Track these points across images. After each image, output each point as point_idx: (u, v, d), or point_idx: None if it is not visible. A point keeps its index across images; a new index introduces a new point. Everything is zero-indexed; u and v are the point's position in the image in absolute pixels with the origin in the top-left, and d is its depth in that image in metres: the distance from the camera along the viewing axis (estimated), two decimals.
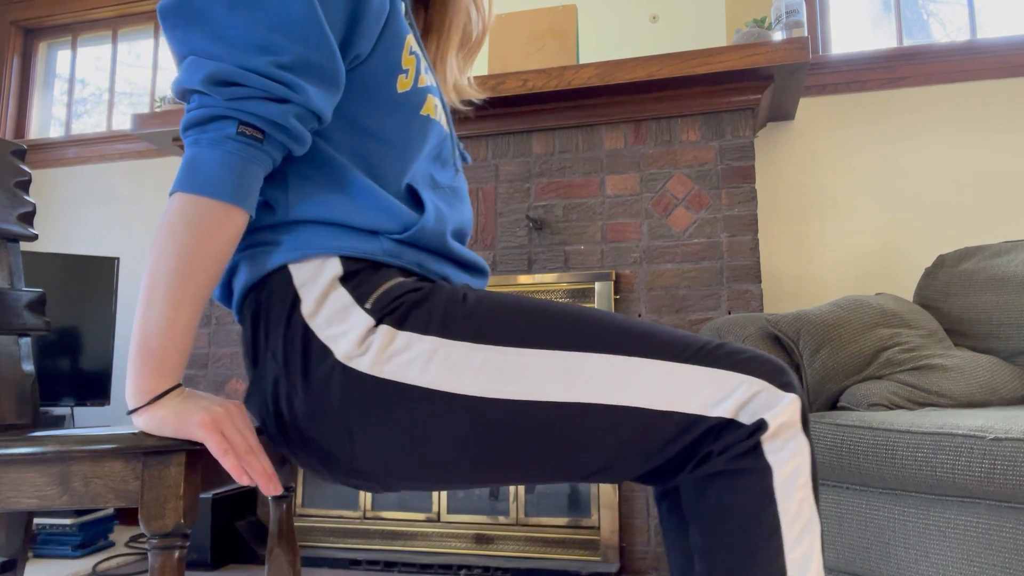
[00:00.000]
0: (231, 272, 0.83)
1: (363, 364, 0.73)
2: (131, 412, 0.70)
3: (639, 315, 2.11)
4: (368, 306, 0.74)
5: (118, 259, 2.55)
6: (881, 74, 2.34)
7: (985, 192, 2.23)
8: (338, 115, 0.80)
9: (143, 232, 3.02)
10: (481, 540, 2.10)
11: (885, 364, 1.55)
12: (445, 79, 1.01)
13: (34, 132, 3.28)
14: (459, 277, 0.88)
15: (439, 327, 0.74)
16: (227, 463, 0.67)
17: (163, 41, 3.20)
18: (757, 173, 2.39)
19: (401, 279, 0.78)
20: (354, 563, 2.11)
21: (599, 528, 2.02)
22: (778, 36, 2.09)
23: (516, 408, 0.72)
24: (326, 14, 0.74)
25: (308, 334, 0.74)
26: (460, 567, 2.02)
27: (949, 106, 2.29)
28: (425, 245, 0.82)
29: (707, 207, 2.11)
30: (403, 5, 0.85)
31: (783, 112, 2.33)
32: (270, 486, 0.69)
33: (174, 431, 0.69)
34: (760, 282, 2.04)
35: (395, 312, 0.74)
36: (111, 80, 3.23)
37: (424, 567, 2.04)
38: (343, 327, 0.74)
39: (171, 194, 0.71)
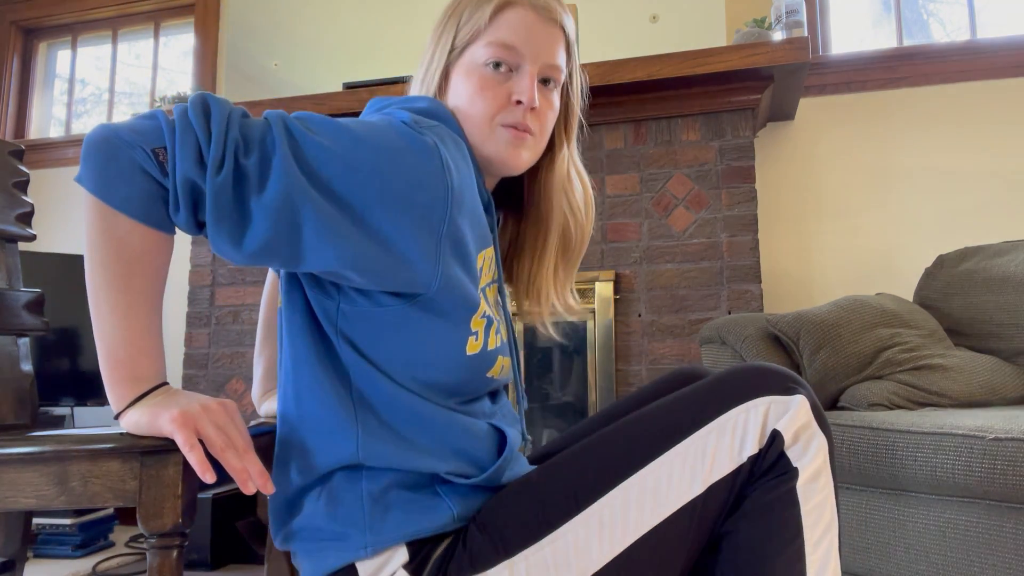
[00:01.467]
0: (288, 538, 0.79)
1: None
2: (116, 417, 0.71)
3: (639, 315, 2.11)
4: None
5: None
6: (881, 74, 2.34)
7: (985, 192, 2.23)
8: (406, 356, 0.75)
9: None
10: None
11: (885, 364, 1.55)
12: (539, 298, 0.95)
13: (34, 132, 3.28)
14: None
15: (470, 566, 0.72)
16: (192, 458, 0.66)
17: (163, 41, 3.20)
18: (757, 173, 2.39)
19: (453, 537, 0.75)
20: None
21: None
22: (778, 36, 2.08)
23: None
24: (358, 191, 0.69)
25: None
26: None
27: (949, 106, 2.29)
28: (495, 482, 0.79)
29: (707, 207, 2.11)
30: (481, 252, 0.80)
31: (783, 112, 2.33)
32: (248, 484, 0.68)
33: (146, 428, 0.69)
34: (760, 282, 2.04)
35: (438, 572, 0.73)
36: (111, 80, 3.23)
37: None
38: None
39: (85, 187, 0.68)
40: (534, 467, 0.86)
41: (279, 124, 0.69)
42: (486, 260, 0.83)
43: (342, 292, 0.75)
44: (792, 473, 0.72)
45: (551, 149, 0.92)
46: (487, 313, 0.80)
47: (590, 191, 0.97)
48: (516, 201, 0.96)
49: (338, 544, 0.74)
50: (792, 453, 0.73)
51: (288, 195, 0.66)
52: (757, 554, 0.72)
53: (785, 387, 0.75)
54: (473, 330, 0.78)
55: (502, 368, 0.84)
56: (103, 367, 0.69)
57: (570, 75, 0.92)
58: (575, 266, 0.98)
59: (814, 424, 0.74)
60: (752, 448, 0.72)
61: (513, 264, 0.96)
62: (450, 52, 0.86)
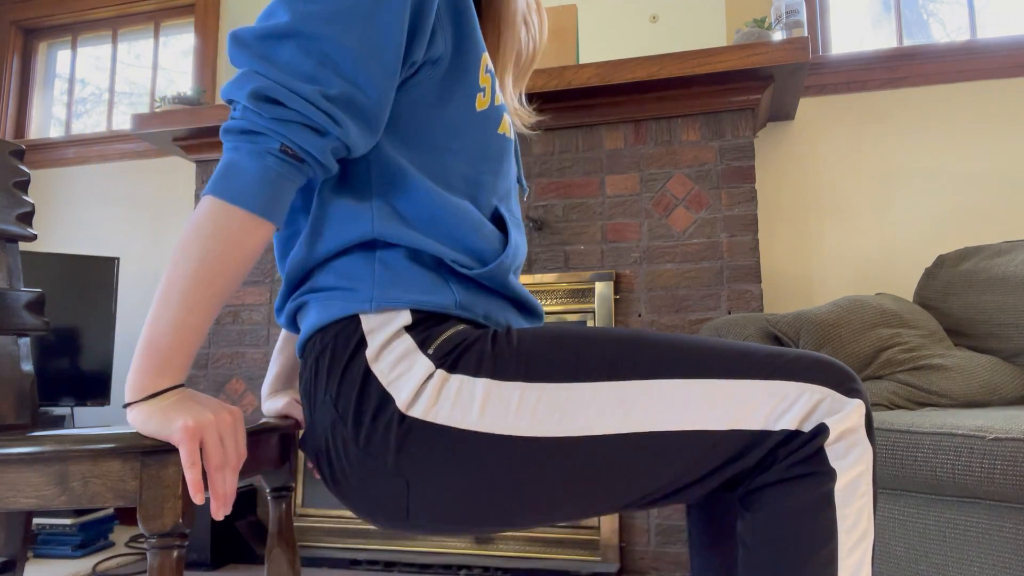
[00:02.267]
0: (298, 308, 0.82)
1: (419, 410, 0.72)
2: (126, 405, 0.70)
3: (639, 315, 2.11)
4: (430, 352, 0.75)
5: (118, 259, 2.55)
6: (881, 74, 2.34)
7: (985, 192, 2.23)
8: (420, 137, 0.80)
9: (143, 232, 3.02)
10: (481, 540, 2.10)
11: (885, 364, 1.55)
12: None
13: (34, 132, 3.28)
14: (519, 323, 0.87)
15: (490, 369, 0.74)
16: (189, 476, 0.66)
17: (163, 41, 3.20)
18: (757, 173, 2.39)
19: (463, 327, 0.78)
20: (354, 563, 2.11)
21: (599, 528, 2.02)
22: (778, 36, 2.08)
23: (576, 445, 0.72)
24: (384, 42, 0.73)
25: (368, 378, 0.74)
26: (460, 567, 2.02)
27: (949, 106, 2.29)
28: (497, 283, 0.82)
29: (707, 207, 2.11)
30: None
31: (783, 112, 2.33)
32: (219, 511, 0.68)
33: (155, 430, 0.68)
34: (760, 282, 2.04)
35: (450, 356, 0.74)
36: (111, 80, 3.23)
37: (424, 567, 2.04)
38: (405, 373, 0.74)
39: (203, 195, 0.71)
40: (534, 300, 0.88)
41: (297, 27, 0.72)
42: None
43: None
44: (830, 475, 0.71)
45: None
46: (489, 68, 0.84)
47: (543, 8, 1.03)
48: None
49: (345, 294, 0.77)
50: (831, 452, 0.72)
51: (366, 61, 0.72)
52: (789, 552, 0.71)
53: (848, 387, 0.74)
54: (481, 86, 0.82)
55: (508, 125, 0.88)
56: (139, 350, 0.69)
57: None
58: (526, 77, 1.04)
59: (862, 432, 0.73)
60: (788, 423, 0.71)
61: None
62: None
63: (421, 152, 0.80)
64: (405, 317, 0.76)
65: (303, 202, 0.84)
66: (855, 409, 0.73)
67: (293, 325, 0.86)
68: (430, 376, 0.73)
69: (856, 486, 0.72)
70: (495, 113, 0.85)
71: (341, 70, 0.72)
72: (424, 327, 0.76)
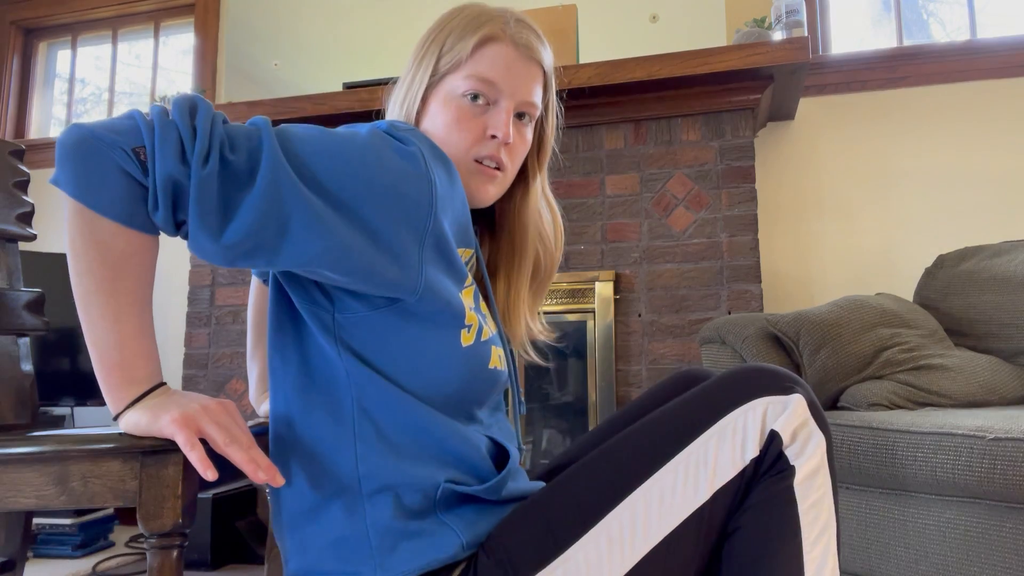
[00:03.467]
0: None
1: None
2: (115, 418, 0.70)
3: (639, 315, 2.11)
4: None
5: None
6: (881, 74, 2.34)
7: (985, 192, 2.23)
8: (401, 360, 0.75)
9: None
10: None
11: (885, 364, 1.55)
12: (513, 321, 0.96)
13: (34, 132, 3.28)
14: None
15: None
16: (192, 457, 0.66)
17: (163, 41, 3.20)
18: (757, 173, 2.39)
19: (464, 565, 0.74)
20: None
21: None
22: (778, 36, 2.08)
23: None
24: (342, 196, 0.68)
25: None
26: None
27: (949, 106, 2.29)
28: (497, 495, 0.78)
29: (707, 207, 2.11)
30: (461, 250, 0.80)
31: (783, 112, 2.33)
32: (258, 473, 0.67)
33: (147, 429, 0.68)
34: (760, 282, 2.04)
35: None
36: (111, 80, 3.23)
37: None
38: None
39: (65, 192, 0.67)
40: (535, 483, 0.86)
41: (266, 125, 0.69)
42: (473, 260, 0.85)
43: (334, 301, 0.75)
44: (789, 471, 0.72)
45: (525, 180, 0.95)
46: (474, 308, 0.81)
47: (559, 219, 1.01)
48: (488, 221, 0.98)
49: None
50: (790, 452, 0.73)
51: (277, 186, 0.66)
52: (756, 551, 0.72)
53: (782, 387, 0.75)
54: (467, 323, 0.78)
55: (500, 358, 0.84)
56: (98, 372, 0.68)
57: (546, 109, 0.95)
58: (544, 292, 1.01)
59: (811, 422, 0.74)
60: (753, 450, 0.72)
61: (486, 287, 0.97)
62: (431, 77, 0.86)
63: (404, 374, 0.75)
64: None
65: (294, 339, 0.79)
66: (797, 403, 0.74)
67: None
68: None
69: (814, 478, 0.73)
70: (482, 349, 0.80)
71: (258, 159, 0.66)
72: None
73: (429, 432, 0.75)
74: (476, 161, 0.84)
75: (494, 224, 0.96)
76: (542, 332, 1.00)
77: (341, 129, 0.74)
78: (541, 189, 0.97)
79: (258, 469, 0.67)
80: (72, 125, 0.66)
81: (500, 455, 0.83)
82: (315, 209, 0.67)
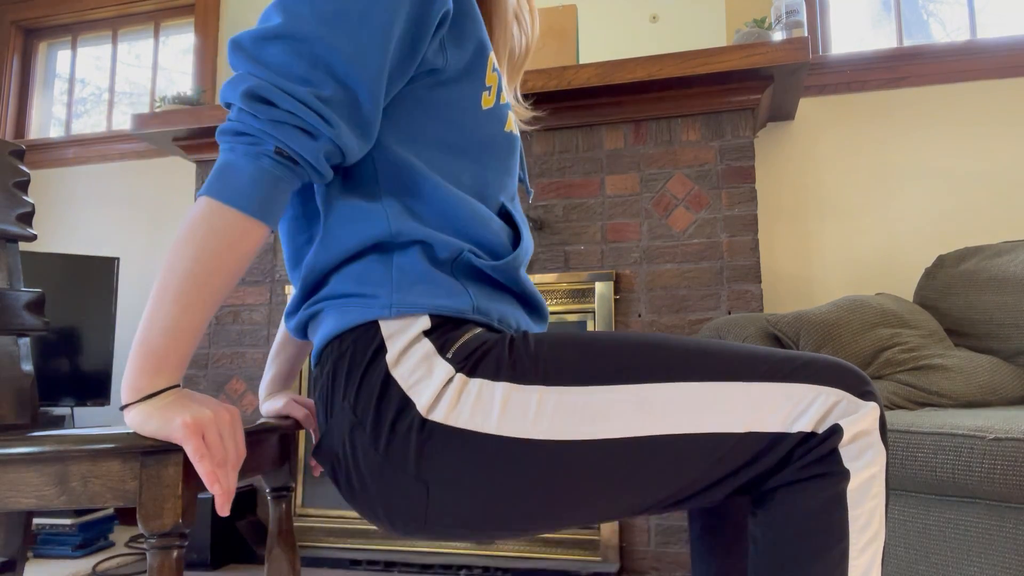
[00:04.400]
0: (312, 316, 0.82)
1: (439, 414, 0.72)
2: (123, 408, 0.70)
3: (639, 315, 2.11)
4: (449, 356, 0.74)
5: (118, 259, 2.55)
6: (881, 74, 2.34)
7: (985, 192, 2.23)
8: (427, 135, 0.80)
9: (143, 232, 3.02)
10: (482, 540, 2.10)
11: (885, 364, 1.55)
12: None
13: (34, 132, 3.28)
14: (528, 323, 0.87)
15: (509, 372, 0.73)
16: (202, 469, 0.67)
17: (163, 41, 3.20)
18: (757, 173, 2.39)
19: (480, 330, 0.78)
20: (354, 563, 2.11)
21: (599, 528, 2.02)
22: (778, 36, 2.08)
23: (595, 448, 0.72)
24: (377, 44, 0.73)
25: (389, 382, 0.74)
26: (460, 567, 2.02)
27: (949, 106, 2.29)
28: (509, 278, 0.82)
29: (707, 207, 2.11)
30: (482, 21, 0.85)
31: (783, 112, 2.33)
32: (225, 507, 0.68)
33: (155, 430, 0.68)
34: (760, 282, 2.04)
35: (469, 360, 0.74)
36: (111, 80, 3.23)
37: (424, 567, 2.04)
38: (424, 377, 0.73)
39: (199, 195, 0.71)
40: (540, 297, 0.89)
41: (291, 33, 0.72)
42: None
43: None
44: (843, 475, 0.72)
45: None
46: (496, 67, 0.85)
47: (534, 4, 1.03)
48: None
49: (364, 301, 0.77)
50: (845, 453, 0.72)
51: (358, 63, 0.72)
52: (801, 551, 0.71)
53: (863, 391, 0.75)
54: (487, 85, 0.83)
55: (513, 122, 0.88)
56: (134, 351, 0.69)
57: None
58: (520, 73, 1.04)
59: (876, 434, 0.74)
60: (805, 426, 0.72)
61: None
62: None
63: (428, 150, 0.80)
64: (424, 322, 0.76)
65: (312, 209, 0.84)
66: (870, 412, 0.73)
67: (302, 332, 0.85)
68: (450, 380, 0.73)
69: (868, 487, 0.72)
70: (501, 111, 0.85)
71: (333, 71, 0.72)
72: (443, 331, 0.76)
73: (452, 213, 0.79)
74: None
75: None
76: (521, 108, 1.05)
77: None
78: None
79: (227, 503, 0.68)
80: (219, 165, 0.72)
81: (517, 240, 0.86)
82: (390, 45, 0.74)
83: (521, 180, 0.99)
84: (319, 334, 0.80)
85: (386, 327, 0.76)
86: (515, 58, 1.02)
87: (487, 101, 0.83)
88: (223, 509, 0.68)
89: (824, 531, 0.71)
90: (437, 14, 0.77)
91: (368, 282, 0.77)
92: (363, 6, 0.73)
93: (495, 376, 0.73)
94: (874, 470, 0.73)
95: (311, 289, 0.82)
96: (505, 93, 0.87)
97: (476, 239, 0.81)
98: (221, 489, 0.68)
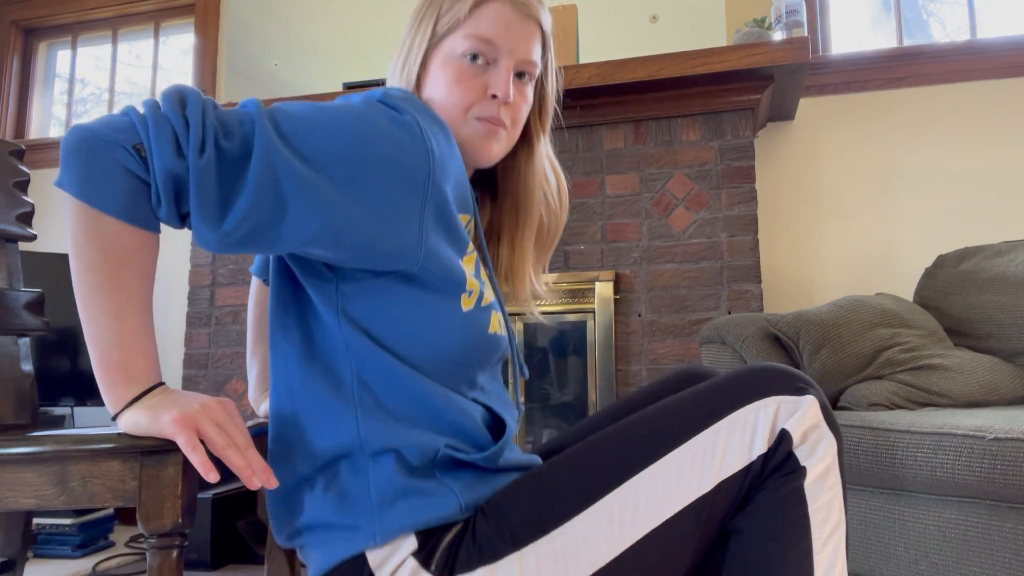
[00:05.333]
0: (300, 546, 0.79)
1: None
2: (113, 418, 0.70)
3: (639, 315, 2.11)
4: (432, 568, 0.73)
5: None
6: (881, 74, 2.34)
7: (985, 192, 2.23)
8: (404, 330, 0.76)
9: None
10: None
11: (885, 364, 1.55)
12: (516, 282, 0.97)
13: (34, 132, 3.28)
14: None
15: (479, 556, 0.72)
16: (194, 459, 0.66)
17: (163, 41, 3.20)
18: (757, 173, 2.39)
19: (459, 527, 0.75)
20: None
21: None
22: (778, 36, 2.08)
23: None
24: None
25: None
26: None
27: (949, 106, 2.29)
28: (494, 464, 0.79)
29: (707, 207, 2.11)
30: (460, 216, 0.80)
31: (783, 112, 2.33)
32: (252, 480, 0.67)
33: (147, 429, 0.68)
34: (760, 282, 2.04)
35: (447, 565, 0.73)
36: (111, 80, 3.23)
37: None
38: None
39: (59, 185, 0.67)
40: (531, 456, 0.86)
41: (257, 107, 0.69)
42: (470, 226, 0.85)
43: (338, 272, 0.76)
44: (800, 472, 0.72)
45: (528, 141, 0.95)
46: (475, 275, 0.82)
47: (564, 182, 1.00)
48: (489, 185, 0.98)
49: (347, 535, 0.74)
50: (800, 452, 0.73)
51: (271, 168, 0.66)
52: (765, 552, 0.72)
53: (795, 387, 0.75)
54: (468, 289, 0.79)
55: (500, 323, 0.85)
56: (97, 370, 0.68)
57: (545, 68, 0.95)
58: (549, 252, 1.02)
59: (823, 424, 0.74)
60: (762, 447, 0.73)
61: (489, 249, 0.97)
62: (430, 39, 0.86)
63: (402, 341, 0.76)
64: (411, 543, 0.73)
65: (291, 327, 0.80)
66: (810, 405, 0.74)
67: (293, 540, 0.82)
68: None
69: (824, 480, 0.73)
70: (482, 314, 0.81)
71: (249, 146, 0.67)
72: (428, 545, 0.74)
73: (427, 403, 0.76)
74: (477, 119, 0.84)
75: (495, 187, 0.97)
76: (544, 291, 1.02)
77: (335, 101, 0.75)
78: (545, 150, 0.98)
79: (252, 475, 0.68)
80: (74, 127, 0.66)
81: (496, 426, 0.84)
82: (312, 186, 0.67)
83: (520, 370, 0.96)
84: (309, 568, 0.78)
85: (373, 557, 0.73)
86: (544, 237, 0.99)
87: (466, 303, 0.79)
88: (251, 482, 0.67)
89: (787, 529, 0.72)
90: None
91: (348, 509, 0.74)
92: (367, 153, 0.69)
93: (469, 567, 0.72)
94: (827, 461, 0.73)
95: (283, 505, 0.78)
96: (488, 296, 0.83)
97: (454, 431, 0.78)
98: (240, 470, 0.67)
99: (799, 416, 0.73)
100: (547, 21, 0.91)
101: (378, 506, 0.73)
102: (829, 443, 0.74)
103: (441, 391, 0.77)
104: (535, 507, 0.74)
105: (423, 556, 0.73)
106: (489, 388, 0.86)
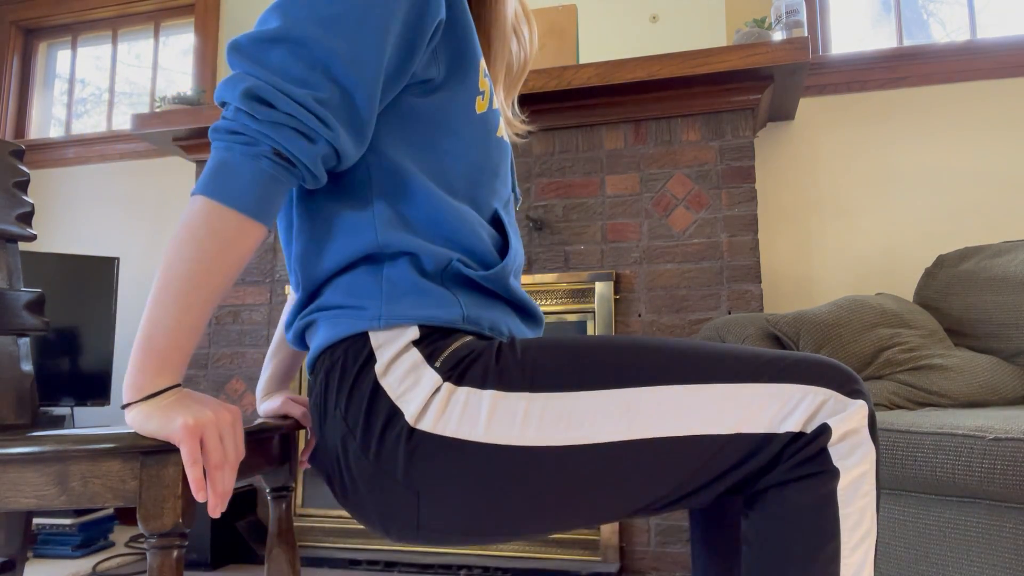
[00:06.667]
0: (307, 326, 0.83)
1: (427, 423, 0.73)
2: (124, 406, 0.70)
3: (639, 315, 2.11)
4: (437, 365, 0.75)
5: (118, 259, 2.55)
6: (881, 74, 2.34)
7: (985, 192, 2.23)
8: (421, 139, 0.81)
9: (143, 232, 3.02)
10: None
11: (885, 364, 1.55)
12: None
13: (34, 132, 3.28)
14: (521, 329, 0.87)
15: (496, 380, 0.74)
16: (191, 474, 0.66)
17: (163, 41, 3.20)
18: (757, 173, 2.39)
19: (469, 339, 0.78)
20: (354, 563, 2.11)
21: (599, 528, 2.02)
22: (778, 36, 2.08)
23: (582, 453, 0.72)
24: (374, 48, 0.74)
25: (378, 392, 0.75)
26: (460, 567, 2.02)
27: (949, 106, 2.29)
28: (499, 286, 0.82)
29: (707, 207, 2.11)
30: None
31: (783, 112, 2.33)
32: (216, 509, 0.68)
33: (156, 430, 0.68)
34: (760, 282, 2.04)
35: (456, 369, 0.75)
36: (111, 80, 3.23)
37: (424, 567, 2.04)
38: (412, 387, 0.74)
39: (194, 194, 0.71)
40: (536, 306, 0.89)
41: (292, 37, 0.72)
42: None
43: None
44: (833, 474, 0.72)
45: None
46: (487, 72, 0.86)
47: (532, 17, 1.04)
48: None
49: (353, 313, 0.77)
50: (835, 452, 0.72)
51: (356, 67, 0.72)
52: (792, 551, 0.71)
53: (851, 389, 0.75)
54: (480, 89, 0.83)
55: (504, 130, 0.89)
56: (136, 351, 0.69)
57: None
58: (518, 86, 1.05)
59: (865, 431, 0.74)
60: (793, 426, 0.72)
61: None
62: None
63: (422, 154, 0.81)
64: (413, 332, 0.76)
65: (303, 216, 0.84)
66: (858, 410, 0.73)
67: (301, 342, 0.86)
68: (437, 389, 0.74)
69: (859, 485, 0.72)
70: (493, 117, 0.86)
71: (331, 74, 0.72)
72: (431, 341, 0.76)
73: (443, 219, 0.80)
74: None
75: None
76: (516, 122, 1.05)
77: None
78: None
79: (219, 504, 0.68)
80: (214, 158, 0.71)
81: (504, 248, 0.86)
82: (380, 41, 0.73)
83: (512, 190, 0.99)
84: (313, 344, 0.81)
85: (375, 338, 0.76)
86: (513, 72, 1.03)
87: (480, 106, 0.84)
88: (215, 511, 0.68)
89: (815, 530, 0.71)
90: (432, 22, 0.77)
91: (358, 294, 0.78)
92: (361, 11, 0.73)
93: (482, 384, 0.74)
94: (864, 468, 0.73)
95: (305, 299, 0.83)
96: (496, 100, 0.88)
97: (465, 247, 0.81)
98: (214, 492, 0.68)
99: (844, 416, 0.72)
100: None
101: (387, 296, 0.77)
102: (867, 451, 0.73)
103: (456, 208, 0.81)
104: (566, 365, 0.75)
105: (426, 352, 0.75)
106: (501, 209, 0.89)
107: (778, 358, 0.76)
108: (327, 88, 0.72)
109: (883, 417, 1.35)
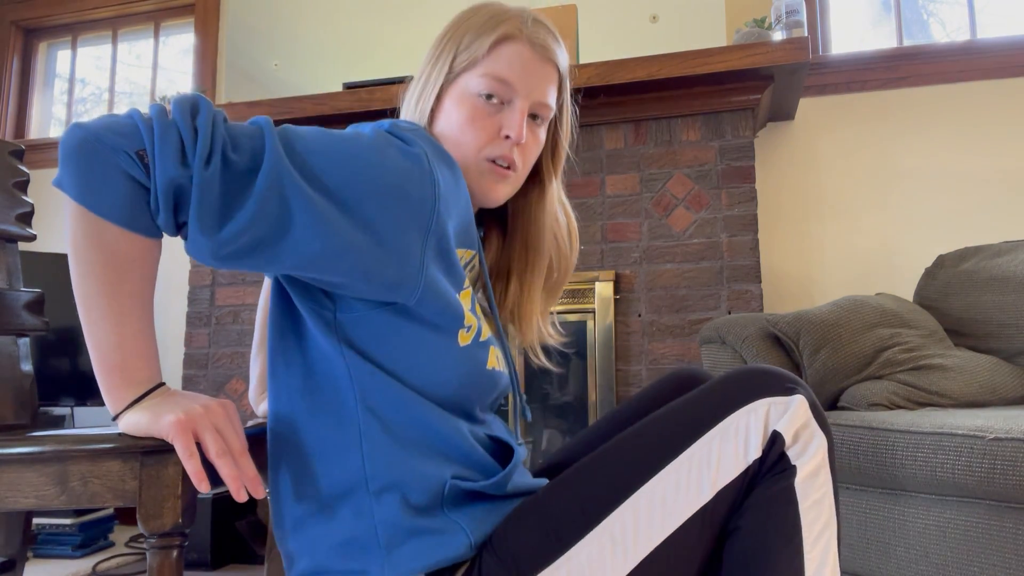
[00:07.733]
0: None
1: None
2: (114, 419, 0.70)
3: (639, 315, 2.11)
4: None
5: None
6: (881, 74, 2.34)
7: (985, 192, 2.23)
8: (404, 356, 0.75)
9: None
10: None
11: (885, 364, 1.55)
12: (523, 324, 0.96)
13: (34, 132, 3.28)
14: (515, 483, 0.84)
15: None
16: (189, 467, 0.66)
17: (163, 41, 3.20)
18: (757, 173, 2.39)
19: (469, 565, 0.74)
20: None
21: None
22: (778, 36, 2.08)
23: None
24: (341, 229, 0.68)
25: None
26: None
27: (949, 106, 2.29)
28: (502, 490, 0.79)
29: (707, 207, 2.11)
30: (462, 251, 0.80)
31: (783, 112, 2.33)
32: (241, 492, 0.67)
33: (147, 430, 0.68)
34: (760, 282, 2.04)
35: None
36: (111, 80, 3.23)
37: None
38: None
39: (61, 189, 0.67)
40: (538, 480, 0.86)
41: (268, 125, 0.69)
42: (474, 262, 0.85)
43: (336, 300, 0.75)
44: (790, 471, 0.73)
45: (540, 182, 0.94)
46: (471, 310, 0.81)
47: (574, 223, 0.99)
48: (500, 222, 0.97)
49: None
50: (792, 452, 0.73)
51: (279, 183, 0.65)
52: (757, 551, 0.72)
53: (784, 388, 0.75)
54: (467, 324, 0.79)
55: (499, 359, 0.84)
56: (98, 373, 0.68)
57: (560, 110, 0.93)
58: (557, 295, 1.00)
59: (813, 423, 0.75)
60: (756, 451, 0.73)
61: (496, 288, 0.96)
62: (447, 75, 0.86)
63: (407, 370, 0.76)
64: None
65: (295, 359, 0.79)
66: (799, 404, 0.74)
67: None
68: None
69: (815, 477, 0.74)
70: (480, 350, 0.80)
71: (256, 161, 0.66)
72: None
73: (433, 428, 0.75)
74: (488, 160, 0.84)
75: (506, 224, 0.96)
76: (552, 335, 1.00)
77: (345, 130, 0.75)
78: (556, 192, 0.96)
79: (241, 487, 0.67)
80: (73, 125, 0.66)
81: (503, 452, 0.83)
82: (317, 208, 0.66)
83: (521, 414, 0.95)
84: None
85: None
86: (552, 279, 0.98)
87: (464, 338, 0.78)
88: (238, 494, 0.67)
89: (778, 527, 0.72)
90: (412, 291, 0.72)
91: (356, 553, 0.72)
92: (362, 179, 0.69)
93: None
94: (818, 459, 0.74)
95: (288, 530, 0.77)
96: (487, 330, 0.82)
97: (461, 457, 0.77)
98: (231, 479, 0.67)
99: (789, 416, 0.73)
100: (564, 63, 0.90)
101: (387, 548, 0.72)
102: (819, 442, 0.74)
103: (446, 417, 0.77)
104: (537, 536, 0.73)
105: None
106: (490, 420, 0.86)
107: (707, 395, 0.76)
108: (245, 157, 0.66)
109: (883, 417, 1.35)
